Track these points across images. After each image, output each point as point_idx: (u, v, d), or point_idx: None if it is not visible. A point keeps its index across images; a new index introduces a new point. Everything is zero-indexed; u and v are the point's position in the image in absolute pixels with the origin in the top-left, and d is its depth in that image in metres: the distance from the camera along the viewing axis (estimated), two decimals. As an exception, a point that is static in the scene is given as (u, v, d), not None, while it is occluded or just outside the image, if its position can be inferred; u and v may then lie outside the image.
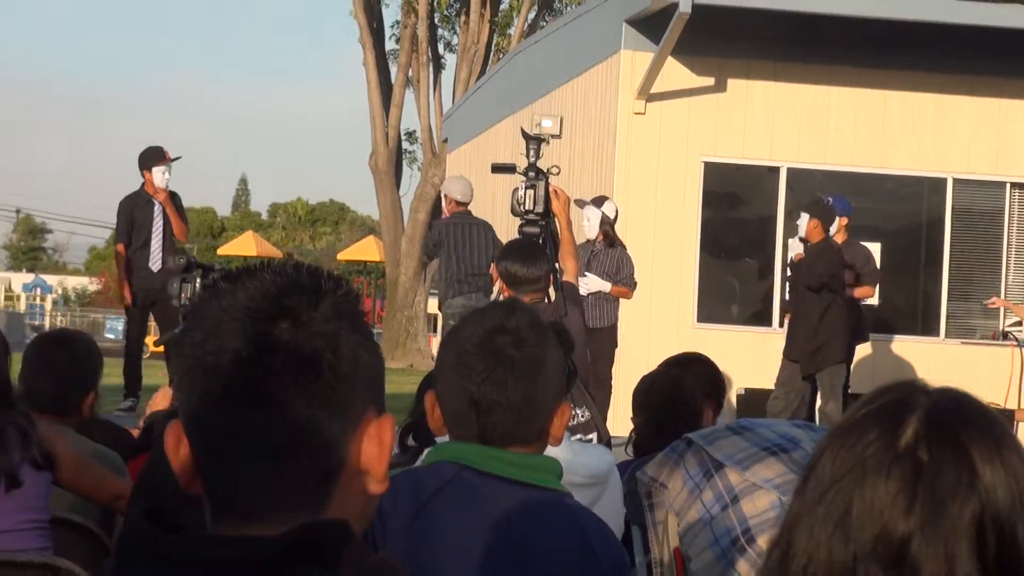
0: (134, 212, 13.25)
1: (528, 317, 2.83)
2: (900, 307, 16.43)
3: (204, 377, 1.67)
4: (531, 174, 10.10)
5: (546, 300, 8.22)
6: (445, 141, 29.51)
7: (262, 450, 1.67)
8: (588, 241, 12.73)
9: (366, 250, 45.09)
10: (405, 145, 40.26)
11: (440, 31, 38.52)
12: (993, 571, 1.61)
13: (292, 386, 1.66)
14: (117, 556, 1.68)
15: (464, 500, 2.72)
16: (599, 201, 13.06)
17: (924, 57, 15.63)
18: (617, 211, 12.93)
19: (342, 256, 48.54)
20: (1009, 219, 16.46)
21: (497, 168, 11.10)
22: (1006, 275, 16.53)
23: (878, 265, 14.58)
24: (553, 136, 11.06)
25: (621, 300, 12.89)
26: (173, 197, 13.57)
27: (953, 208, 16.37)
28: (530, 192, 10.03)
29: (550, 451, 2.99)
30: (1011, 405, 14.10)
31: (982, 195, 16.45)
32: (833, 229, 13.42)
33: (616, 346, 12.66)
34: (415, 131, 39.66)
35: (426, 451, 2.91)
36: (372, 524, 2.68)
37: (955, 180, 16.26)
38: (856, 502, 1.63)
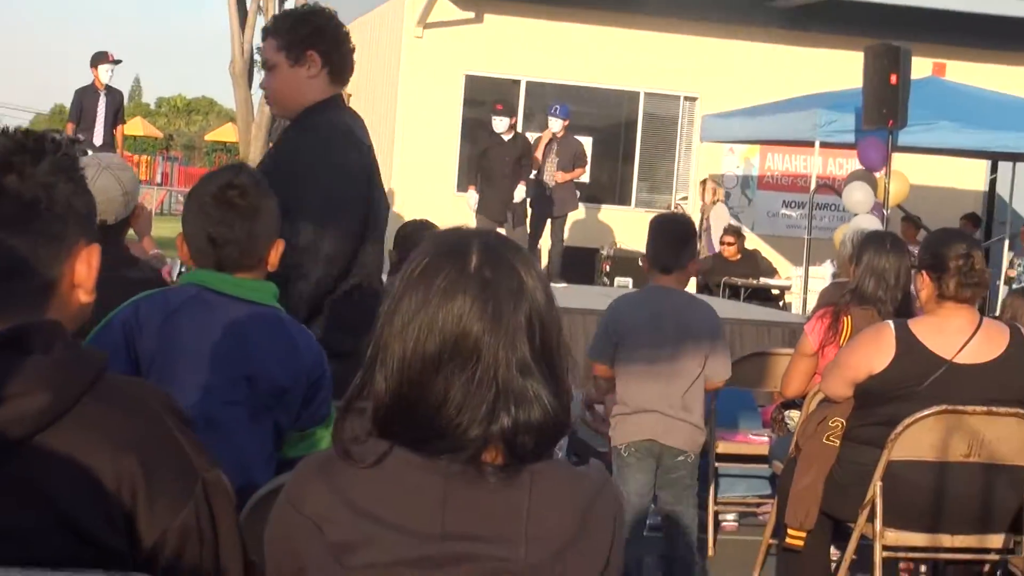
0: (83, 100, 12.86)
1: (251, 177, 2.77)
2: (604, 185, 16.61)
3: None
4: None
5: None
6: (283, 54, 28.77)
7: None
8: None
9: (226, 133, 43.95)
10: (255, 56, 39.27)
11: (282, -29, 37.44)
12: (539, 352, 1.65)
13: (16, 223, 1.62)
14: None
15: (202, 311, 2.68)
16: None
17: (630, 4, 15.67)
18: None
19: (208, 137, 47.19)
20: (680, 122, 16.69)
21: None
22: (677, 163, 16.85)
23: (589, 154, 14.70)
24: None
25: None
26: (114, 94, 13.05)
27: (643, 113, 16.54)
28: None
29: None
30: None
31: (663, 105, 16.63)
32: (558, 127, 13.47)
33: None
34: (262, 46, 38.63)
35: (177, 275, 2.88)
36: (131, 328, 2.65)
37: (645, 94, 16.41)
38: (442, 314, 1.63)
